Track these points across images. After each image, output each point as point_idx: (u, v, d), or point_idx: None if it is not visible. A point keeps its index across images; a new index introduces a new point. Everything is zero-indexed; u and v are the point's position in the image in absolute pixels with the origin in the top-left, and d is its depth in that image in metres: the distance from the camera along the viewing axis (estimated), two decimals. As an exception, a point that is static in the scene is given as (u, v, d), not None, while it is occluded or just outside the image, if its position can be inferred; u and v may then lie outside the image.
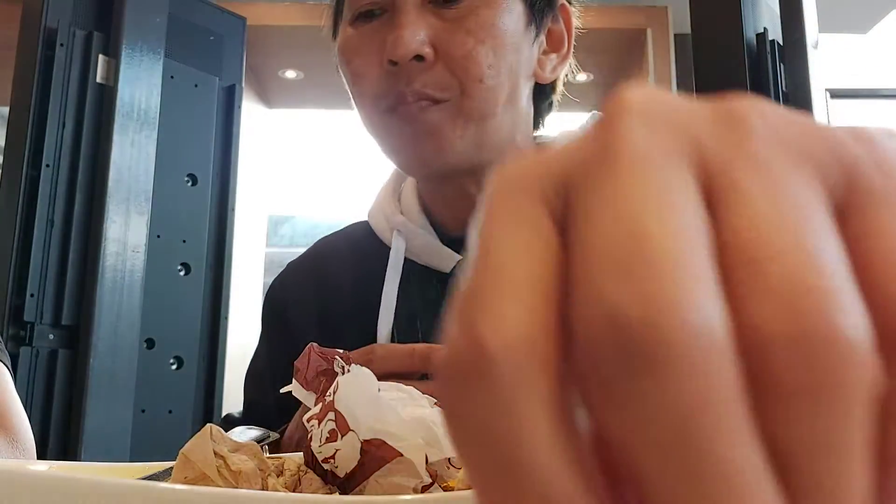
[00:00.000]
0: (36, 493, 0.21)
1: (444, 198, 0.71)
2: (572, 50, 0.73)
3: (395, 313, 0.68)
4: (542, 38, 0.69)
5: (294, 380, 0.38)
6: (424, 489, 0.30)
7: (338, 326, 0.72)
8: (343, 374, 0.34)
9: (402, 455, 0.30)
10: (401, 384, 0.34)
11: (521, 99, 0.67)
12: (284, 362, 0.73)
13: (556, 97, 0.76)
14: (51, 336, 1.84)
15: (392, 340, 0.67)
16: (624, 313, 0.11)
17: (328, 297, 0.74)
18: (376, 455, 0.30)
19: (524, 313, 0.12)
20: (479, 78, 0.62)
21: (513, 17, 0.65)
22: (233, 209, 2.41)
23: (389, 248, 0.71)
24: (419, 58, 0.61)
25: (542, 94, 0.74)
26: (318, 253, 0.81)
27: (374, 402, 0.31)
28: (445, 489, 0.31)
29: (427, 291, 0.69)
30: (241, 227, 2.58)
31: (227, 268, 2.37)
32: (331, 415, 0.31)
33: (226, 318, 2.32)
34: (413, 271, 0.70)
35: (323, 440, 0.31)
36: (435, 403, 0.33)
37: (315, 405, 0.34)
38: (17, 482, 0.21)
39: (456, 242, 0.69)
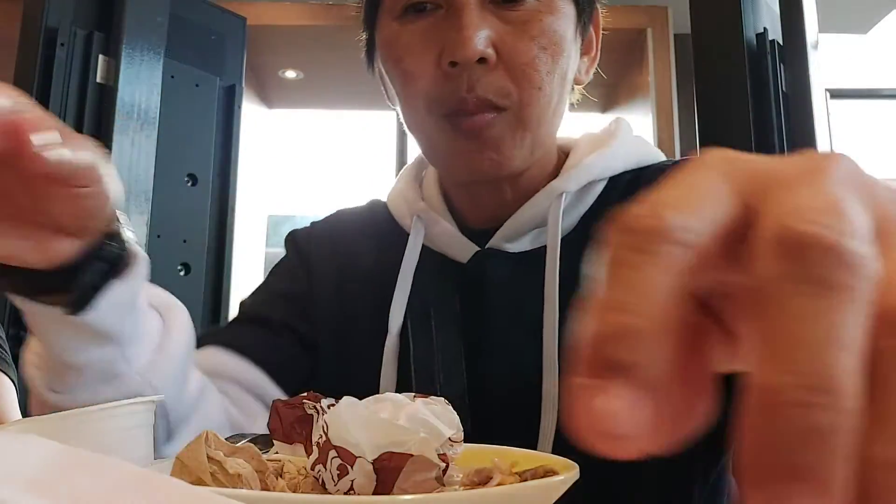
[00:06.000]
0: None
1: (474, 194, 0.70)
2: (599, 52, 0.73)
3: (408, 299, 0.68)
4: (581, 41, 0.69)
5: (274, 441, 0.37)
6: (444, 472, 0.32)
7: (352, 300, 0.72)
8: (318, 413, 0.34)
9: (413, 455, 0.31)
10: (378, 395, 0.34)
11: (565, 103, 0.67)
12: (296, 302, 0.73)
13: (576, 97, 0.76)
14: (51, 336, 1.84)
15: (404, 326, 0.67)
16: (815, 236, 0.17)
17: (346, 268, 0.74)
18: (390, 467, 0.31)
19: (697, 215, 0.18)
20: (538, 86, 0.61)
21: (567, 22, 0.64)
22: (233, 209, 2.42)
23: (407, 234, 0.71)
24: (482, 60, 0.59)
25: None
26: (338, 222, 0.80)
27: (369, 423, 0.32)
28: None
29: (441, 280, 0.68)
30: (241, 227, 2.58)
31: (227, 268, 2.38)
32: (332, 452, 0.32)
33: (226, 317, 2.32)
34: (428, 259, 0.69)
35: (336, 479, 0.32)
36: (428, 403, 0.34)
37: (309, 454, 0.34)
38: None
39: (476, 235, 0.68)
